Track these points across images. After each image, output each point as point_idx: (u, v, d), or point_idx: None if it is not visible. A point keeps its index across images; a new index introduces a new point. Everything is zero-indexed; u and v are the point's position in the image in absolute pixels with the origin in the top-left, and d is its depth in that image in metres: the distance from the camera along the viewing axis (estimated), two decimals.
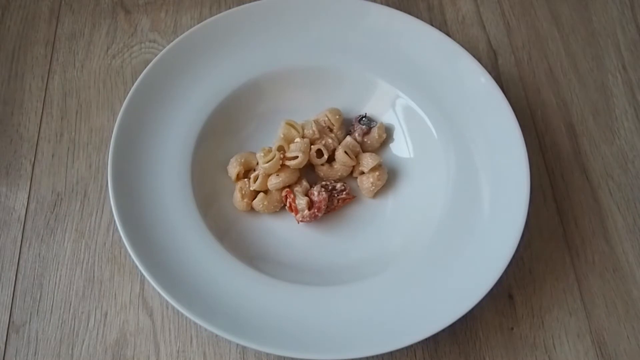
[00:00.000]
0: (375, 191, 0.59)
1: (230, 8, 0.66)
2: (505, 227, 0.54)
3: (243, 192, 0.58)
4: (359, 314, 0.52)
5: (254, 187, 0.58)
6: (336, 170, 0.60)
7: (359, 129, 0.61)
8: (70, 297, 0.56)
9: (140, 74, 0.59)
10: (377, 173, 0.59)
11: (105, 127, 0.63)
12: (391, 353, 0.53)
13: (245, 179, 0.59)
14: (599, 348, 0.55)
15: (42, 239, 0.58)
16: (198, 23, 0.63)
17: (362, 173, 0.60)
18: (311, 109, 0.62)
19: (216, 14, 0.64)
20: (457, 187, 0.57)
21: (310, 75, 0.63)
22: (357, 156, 0.60)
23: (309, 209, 0.57)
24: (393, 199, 0.60)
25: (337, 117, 0.61)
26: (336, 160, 0.60)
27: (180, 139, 0.58)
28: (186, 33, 0.62)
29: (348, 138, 0.61)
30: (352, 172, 0.61)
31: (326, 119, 0.61)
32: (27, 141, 0.63)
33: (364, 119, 0.62)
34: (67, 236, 0.58)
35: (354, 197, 0.59)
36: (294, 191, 0.58)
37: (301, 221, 0.57)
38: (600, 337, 0.55)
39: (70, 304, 0.55)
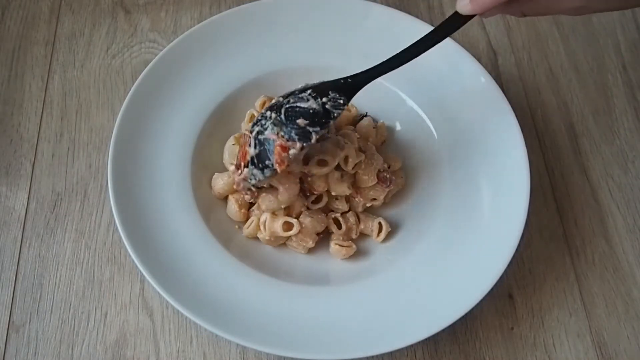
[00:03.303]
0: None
1: (230, 8, 0.66)
2: (505, 227, 0.54)
3: (240, 203, 0.57)
4: (359, 314, 0.52)
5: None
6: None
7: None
8: (70, 297, 0.56)
9: (140, 74, 0.59)
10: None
11: (105, 127, 0.63)
12: (391, 353, 0.53)
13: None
14: (599, 348, 0.55)
15: (42, 239, 0.58)
16: (198, 23, 0.63)
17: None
18: None
19: (216, 14, 0.64)
20: (457, 187, 0.57)
21: (311, 75, 0.62)
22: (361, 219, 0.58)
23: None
24: (393, 199, 0.60)
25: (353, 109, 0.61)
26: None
27: (180, 138, 0.58)
28: (186, 33, 0.62)
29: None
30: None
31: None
32: (27, 141, 0.63)
33: (364, 118, 0.62)
34: (67, 236, 0.58)
35: None
36: None
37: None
38: (600, 337, 0.55)
39: (70, 304, 0.55)
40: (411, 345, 0.52)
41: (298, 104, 0.49)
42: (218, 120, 0.60)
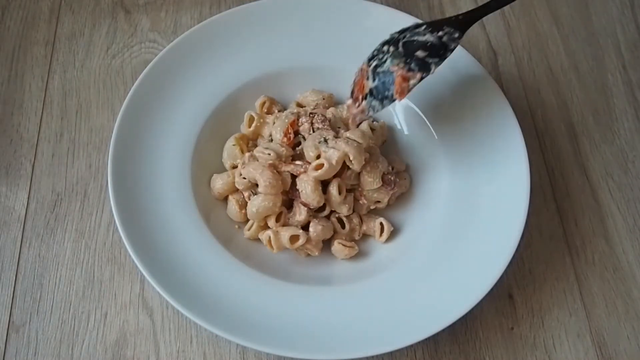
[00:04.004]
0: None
1: (230, 8, 0.66)
2: (505, 227, 0.54)
3: (240, 203, 0.57)
4: (359, 314, 0.52)
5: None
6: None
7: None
8: (70, 297, 0.56)
9: (140, 74, 0.59)
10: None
11: (105, 127, 0.63)
12: (391, 353, 0.53)
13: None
14: (599, 348, 0.55)
15: (42, 239, 0.58)
16: (198, 23, 0.63)
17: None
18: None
19: (216, 14, 0.64)
20: (457, 187, 0.57)
21: (310, 75, 0.63)
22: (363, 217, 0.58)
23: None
24: (395, 200, 0.60)
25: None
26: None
27: (180, 138, 0.58)
28: (186, 33, 0.62)
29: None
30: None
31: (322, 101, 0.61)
32: (27, 141, 0.63)
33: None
34: (67, 236, 0.58)
35: None
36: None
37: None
38: (600, 337, 0.55)
39: (70, 304, 0.55)
40: (411, 345, 0.52)
41: (415, 38, 0.50)
42: (218, 120, 0.60)
